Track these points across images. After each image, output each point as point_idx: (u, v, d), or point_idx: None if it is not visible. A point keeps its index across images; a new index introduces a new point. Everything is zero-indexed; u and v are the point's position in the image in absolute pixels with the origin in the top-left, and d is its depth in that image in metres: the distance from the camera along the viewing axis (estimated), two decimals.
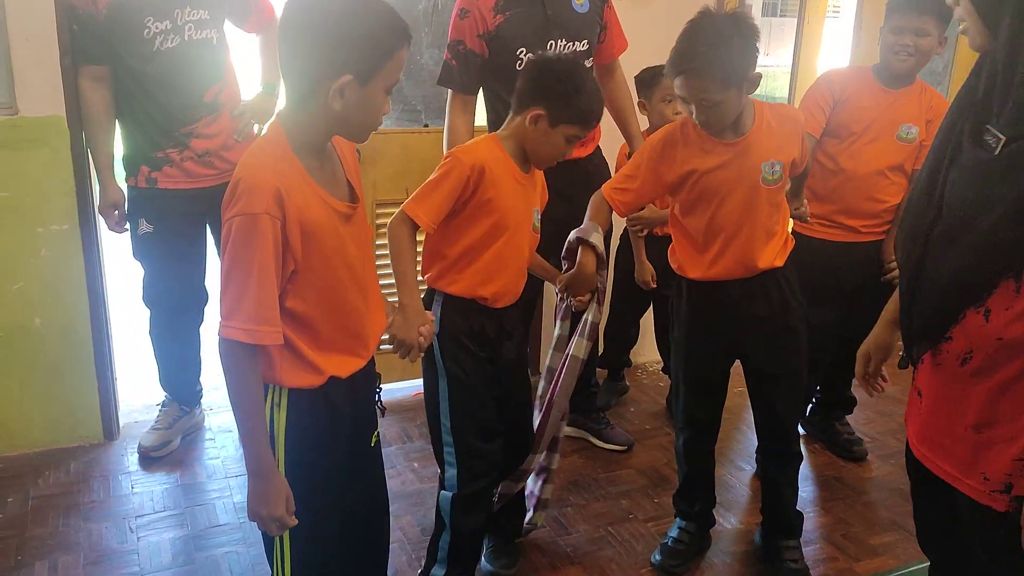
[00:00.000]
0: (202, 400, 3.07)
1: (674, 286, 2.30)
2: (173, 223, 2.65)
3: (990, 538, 1.41)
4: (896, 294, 1.62)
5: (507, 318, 2.08)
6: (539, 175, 2.08)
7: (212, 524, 2.50)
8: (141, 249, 2.71)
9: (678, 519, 2.44)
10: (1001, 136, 1.26)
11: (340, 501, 1.60)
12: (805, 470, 2.76)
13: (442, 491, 2.12)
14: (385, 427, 3.14)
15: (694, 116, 2.01)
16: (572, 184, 2.47)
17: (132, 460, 2.85)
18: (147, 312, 2.84)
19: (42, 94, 2.61)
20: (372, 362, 1.66)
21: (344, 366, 1.55)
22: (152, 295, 2.78)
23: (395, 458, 2.93)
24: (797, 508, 2.37)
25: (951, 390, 1.41)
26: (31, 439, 2.86)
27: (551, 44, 2.51)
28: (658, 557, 2.37)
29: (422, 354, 1.86)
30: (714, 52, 1.90)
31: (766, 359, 2.24)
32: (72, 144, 2.67)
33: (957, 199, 1.34)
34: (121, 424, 3.04)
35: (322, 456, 1.54)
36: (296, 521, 1.50)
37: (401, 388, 3.42)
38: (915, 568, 2.36)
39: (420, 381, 3.27)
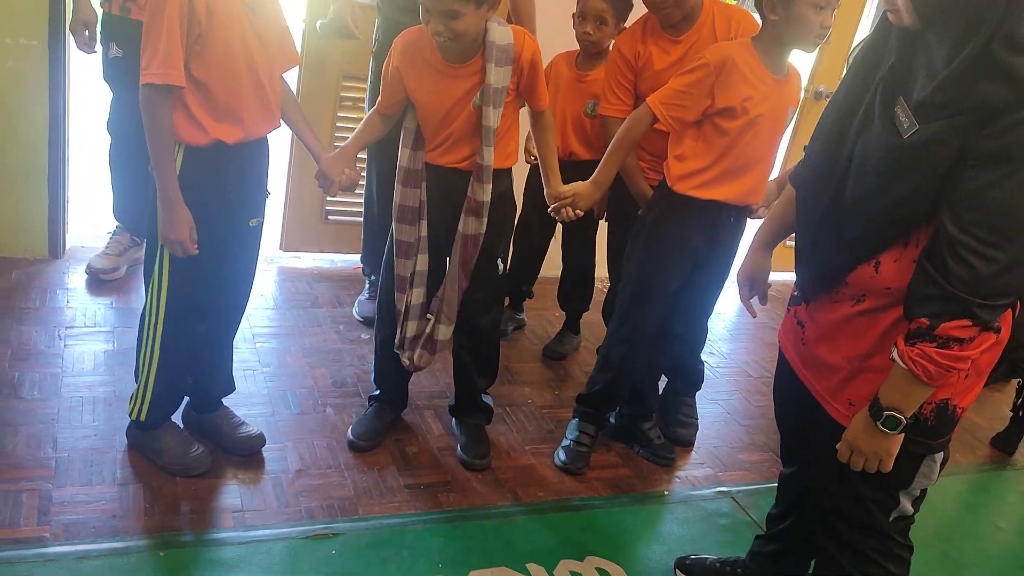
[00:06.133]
0: None
1: (656, 199, 2.36)
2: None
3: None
4: (771, 216, 1.82)
5: None
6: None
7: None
8: (110, 72, 2.78)
9: (579, 420, 2.59)
10: (916, 123, 1.34)
11: (215, 257, 1.99)
12: (703, 389, 2.94)
13: None
14: (320, 291, 3.30)
15: (826, 25, 2.05)
16: None
17: (72, 279, 2.98)
18: (108, 140, 2.93)
19: None
20: (262, 158, 2.05)
21: (229, 133, 1.89)
22: (116, 120, 2.87)
23: (323, 319, 3.09)
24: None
25: (841, 325, 1.56)
26: None
27: None
28: (563, 457, 2.51)
29: (339, 192, 2.18)
30: None
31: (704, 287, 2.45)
32: None
33: (866, 172, 1.43)
34: (67, 247, 3.16)
35: (204, 207, 1.92)
36: (197, 251, 1.91)
37: (344, 260, 3.56)
38: (772, 485, 2.58)
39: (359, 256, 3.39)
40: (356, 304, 3.20)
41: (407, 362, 2.36)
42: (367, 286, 3.23)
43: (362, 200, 3.21)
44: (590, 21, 2.75)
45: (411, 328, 2.33)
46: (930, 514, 2.61)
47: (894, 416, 1.43)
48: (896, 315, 1.46)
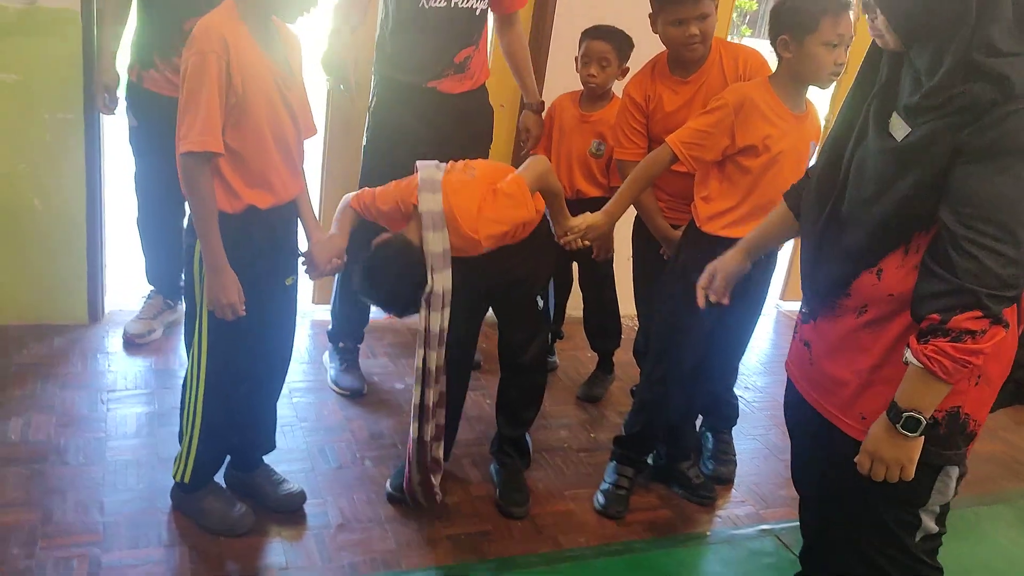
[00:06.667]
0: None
1: (687, 240, 2.37)
2: (155, 123, 2.78)
3: (858, 473, 1.57)
4: (760, 226, 1.89)
5: None
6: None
7: (176, 406, 2.64)
8: (131, 139, 2.88)
9: (617, 463, 2.58)
10: (907, 127, 1.42)
11: (254, 319, 2.00)
12: (740, 425, 2.93)
13: None
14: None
15: (840, 62, 2.10)
16: (444, 116, 2.72)
17: (111, 343, 3.04)
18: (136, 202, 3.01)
19: None
20: (292, 220, 2.11)
21: (261, 199, 1.95)
22: (140, 185, 2.95)
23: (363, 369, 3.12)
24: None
25: (846, 339, 1.59)
26: (20, 312, 3.05)
27: None
28: (602, 501, 2.51)
29: (322, 276, 2.22)
30: None
31: (737, 324, 2.45)
32: (83, 38, 2.82)
33: (863, 180, 1.50)
34: (106, 311, 3.23)
35: (240, 271, 1.93)
36: (244, 312, 1.94)
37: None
38: None
39: None
40: (332, 374, 3.02)
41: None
42: (336, 355, 3.05)
43: None
44: (593, 63, 2.82)
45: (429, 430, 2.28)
46: (980, 543, 2.58)
47: (913, 417, 1.43)
48: (901, 325, 1.49)
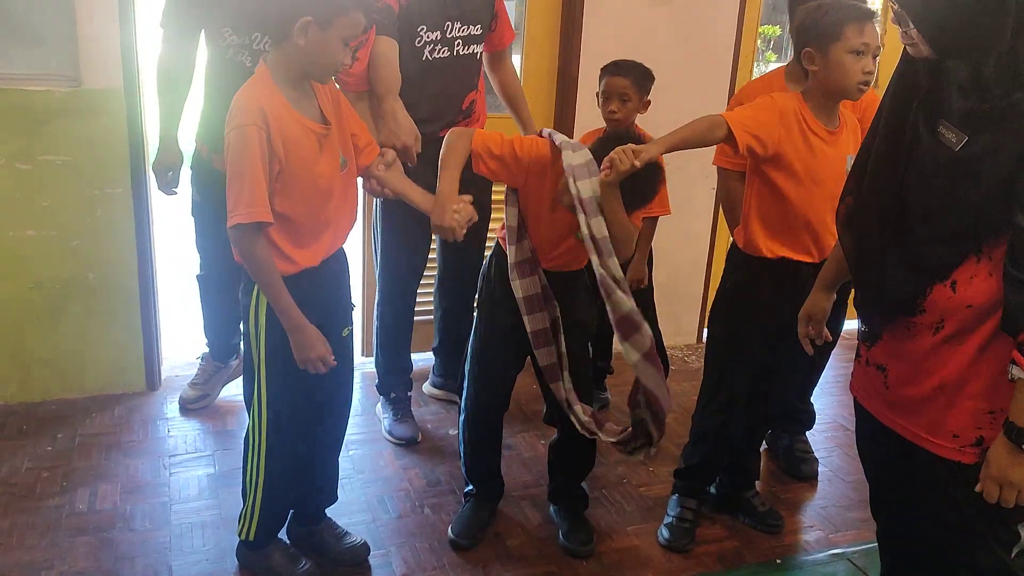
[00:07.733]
0: (240, 351, 3.27)
1: (732, 264, 2.36)
2: (221, 202, 2.79)
3: (952, 493, 1.54)
4: (832, 257, 1.86)
5: None
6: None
7: (237, 466, 2.66)
8: (194, 211, 2.91)
9: (679, 495, 2.55)
10: (964, 134, 1.39)
11: (314, 374, 1.98)
12: None
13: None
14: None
15: (868, 70, 2.06)
16: None
17: (170, 408, 3.10)
18: (197, 256, 3.03)
19: (103, 68, 2.87)
20: (343, 271, 2.11)
21: (314, 256, 1.96)
22: (201, 247, 2.98)
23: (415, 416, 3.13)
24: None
25: (926, 358, 1.54)
26: (81, 385, 3.13)
27: (448, 25, 2.70)
28: (667, 535, 2.47)
29: (462, 234, 2.04)
30: None
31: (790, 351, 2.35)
32: (128, 114, 2.93)
33: (925, 193, 1.46)
34: (163, 377, 3.30)
35: None
36: (335, 362, 1.97)
37: (424, 358, 3.61)
38: None
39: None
40: (385, 425, 3.05)
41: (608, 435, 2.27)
42: (388, 406, 3.08)
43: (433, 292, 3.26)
44: (614, 100, 2.82)
45: (581, 412, 2.26)
46: None
47: None
48: (983, 336, 1.44)
